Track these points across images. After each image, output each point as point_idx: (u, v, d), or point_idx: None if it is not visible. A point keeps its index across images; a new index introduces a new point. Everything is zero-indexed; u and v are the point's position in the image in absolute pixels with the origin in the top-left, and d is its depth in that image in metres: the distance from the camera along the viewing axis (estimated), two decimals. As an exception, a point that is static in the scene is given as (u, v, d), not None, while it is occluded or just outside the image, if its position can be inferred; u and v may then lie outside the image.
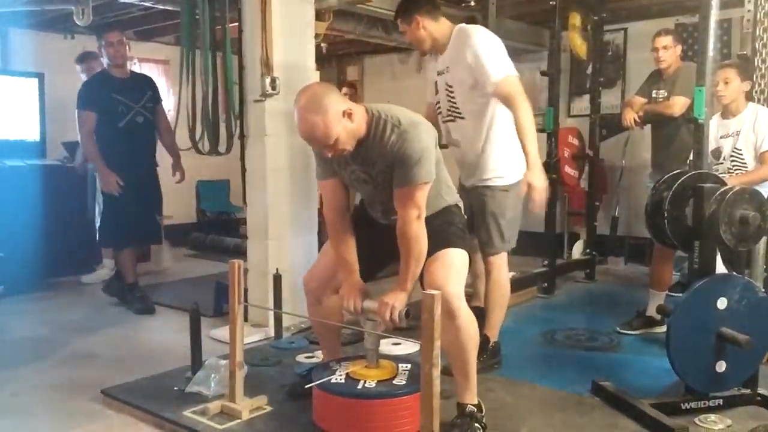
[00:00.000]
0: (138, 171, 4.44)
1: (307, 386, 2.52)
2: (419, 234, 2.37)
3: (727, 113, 3.72)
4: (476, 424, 2.43)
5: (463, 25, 3.17)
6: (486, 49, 2.99)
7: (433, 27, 3.14)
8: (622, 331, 3.87)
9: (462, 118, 3.14)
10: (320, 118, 2.24)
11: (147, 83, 4.66)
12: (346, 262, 2.53)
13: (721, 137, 3.74)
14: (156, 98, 4.61)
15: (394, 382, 2.45)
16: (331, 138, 2.28)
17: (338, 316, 2.67)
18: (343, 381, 2.46)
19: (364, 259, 2.54)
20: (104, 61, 4.47)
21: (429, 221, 2.42)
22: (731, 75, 3.61)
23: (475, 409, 2.46)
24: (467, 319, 2.35)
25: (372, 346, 2.50)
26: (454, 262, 2.42)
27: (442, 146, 2.66)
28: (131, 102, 4.41)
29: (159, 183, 4.71)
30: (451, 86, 3.13)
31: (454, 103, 3.13)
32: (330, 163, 2.52)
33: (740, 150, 3.65)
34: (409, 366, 2.56)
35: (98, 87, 4.40)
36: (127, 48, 4.51)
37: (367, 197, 2.60)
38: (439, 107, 3.23)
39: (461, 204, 2.67)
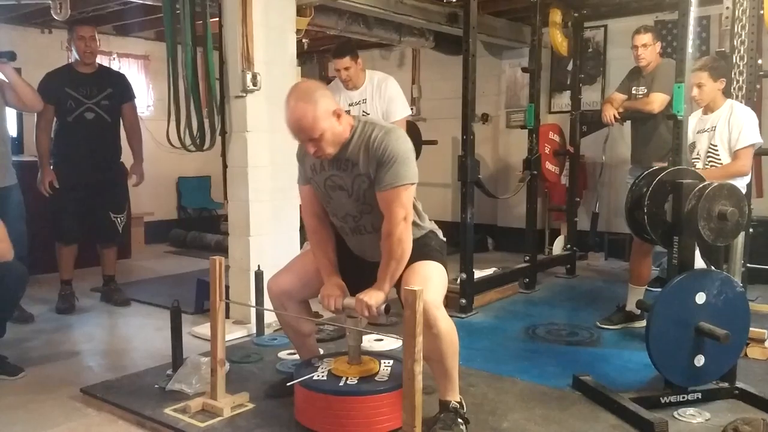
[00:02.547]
0: (85, 168, 4.34)
1: (289, 384, 2.51)
2: (403, 236, 2.37)
3: (706, 109, 3.77)
4: (459, 419, 2.44)
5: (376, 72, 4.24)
6: (399, 94, 4.18)
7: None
8: (602, 326, 3.90)
9: None
10: (310, 107, 2.29)
11: (112, 80, 4.55)
12: (326, 263, 2.55)
13: (697, 132, 3.78)
14: (121, 96, 4.50)
15: (376, 378, 2.45)
16: (317, 131, 2.30)
17: (304, 321, 2.69)
18: (324, 378, 2.46)
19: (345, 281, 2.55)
20: (73, 54, 4.40)
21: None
22: (704, 78, 3.64)
23: (458, 405, 2.46)
24: (446, 327, 2.33)
25: (354, 343, 2.51)
26: (432, 273, 2.42)
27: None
28: (82, 97, 4.33)
29: (120, 181, 4.63)
30: (368, 113, 4.05)
31: None
32: (305, 169, 2.55)
33: (716, 147, 3.69)
34: (391, 362, 2.57)
35: (55, 80, 4.33)
36: (98, 43, 4.44)
37: (339, 209, 2.54)
38: None
39: (438, 231, 2.66)
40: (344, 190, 2.48)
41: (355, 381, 2.42)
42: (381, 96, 4.12)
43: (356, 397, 2.38)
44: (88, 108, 4.34)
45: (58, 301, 4.42)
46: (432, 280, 2.37)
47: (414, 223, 2.49)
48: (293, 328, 2.75)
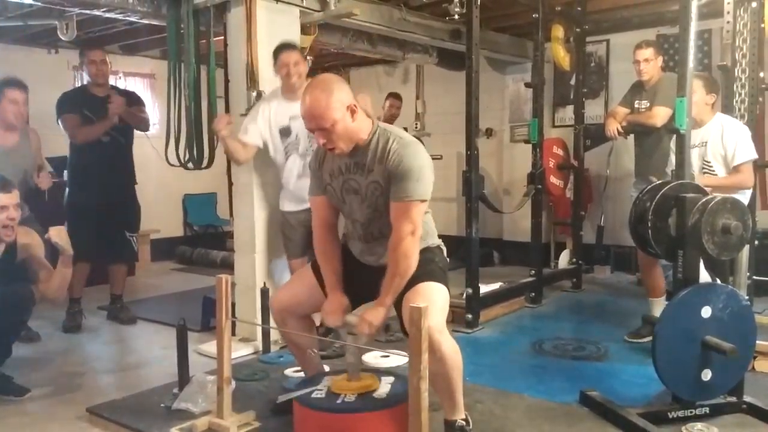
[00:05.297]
0: (101, 190, 4.38)
1: (281, 400, 2.52)
2: (409, 251, 2.36)
3: (693, 124, 3.74)
4: None
5: None
6: None
7: None
8: (631, 340, 3.86)
9: None
10: (324, 96, 2.30)
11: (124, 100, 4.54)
12: (331, 277, 2.54)
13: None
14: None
15: (374, 395, 2.42)
16: (328, 120, 2.30)
17: (307, 334, 2.68)
18: (323, 395, 2.44)
19: (348, 293, 2.53)
20: (85, 76, 4.46)
21: None
22: (696, 86, 3.62)
23: (464, 423, 2.46)
24: (450, 350, 2.31)
25: (353, 360, 2.49)
26: (434, 295, 2.38)
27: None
28: (98, 121, 4.36)
29: (135, 202, 4.68)
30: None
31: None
32: (322, 175, 2.54)
33: (710, 163, 3.68)
34: (392, 379, 2.54)
35: (74, 100, 4.40)
36: (110, 66, 4.50)
37: (351, 214, 2.56)
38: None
39: (444, 249, 2.64)
40: (358, 194, 2.47)
41: (353, 398, 2.40)
42: None
43: (352, 414, 2.35)
44: (104, 132, 4.36)
45: (66, 318, 4.43)
46: (435, 303, 2.34)
47: (421, 237, 2.49)
48: (295, 343, 2.76)
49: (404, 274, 2.37)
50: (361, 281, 2.53)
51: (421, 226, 2.41)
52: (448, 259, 2.63)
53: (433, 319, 2.25)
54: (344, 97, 2.34)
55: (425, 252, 2.51)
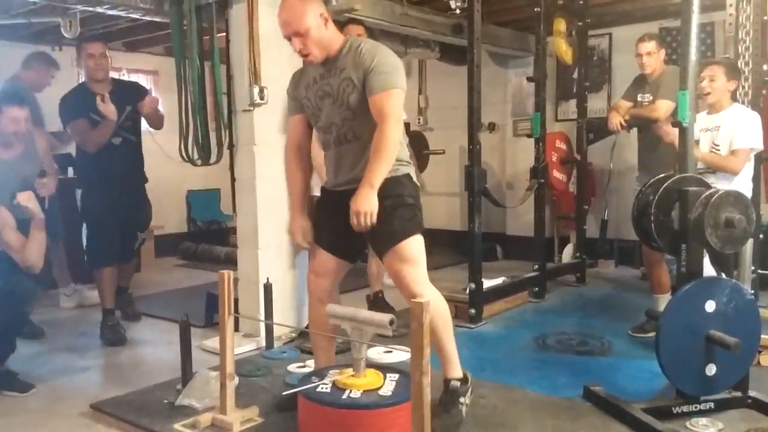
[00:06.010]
0: (115, 193, 4.21)
1: (285, 393, 2.52)
2: (395, 136, 2.44)
3: (711, 109, 3.73)
4: (460, 399, 2.48)
5: None
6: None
7: None
8: (635, 334, 3.86)
9: None
10: (300, 4, 2.49)
11: (128, 95, 4.34)
12: (296, 197, 2.75)
13: (700, 130, 3.74)
14: (137, 103, 4.35)
15: (380, 392, 2.43)
16: (302, 25, 2.46)
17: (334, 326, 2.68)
18: (328, 390, 2.44)
19: (340, 247, 2.66)
20: (84, 73, 4.35)
21: (380, 192, 2.44)
22: (718, 73, 3.60)
23: (459, 384, 2.47)
24: (434, 300, 2.41)
25: (359, 356, 2.49)
26: (411, 254, 2.49)
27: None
28: None
29: (147, 203, 4.60)
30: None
31: None
32: (298, 94, 2.67)
33: (718, 147, 3.65)
34: (396, 376, 2.54)
35: (78, 103, 4.16)
36: (110, 60, 4.30)
37: (325, 120, 2.61)
38: None
39: (413, 173, 2.65)
40: (330, 96, 2.56)
41: (358, 394, 2.41)
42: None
43: (359, 410, 2.36)
44: (114, 134, 4.19)
45: (104, 332, 4.15)
46: (411, 258, 2.48)
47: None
48: (318, 335, 2.80)
49: (388, 156, 2.43)
50: (348, 234, 2.52)
51: (402, 118, 2.53)
52: (418, 184, 2.67)
53: (413, 275, 2.45)
54: (318, 8, 2.51)
55: (395, 185, 2.53)
